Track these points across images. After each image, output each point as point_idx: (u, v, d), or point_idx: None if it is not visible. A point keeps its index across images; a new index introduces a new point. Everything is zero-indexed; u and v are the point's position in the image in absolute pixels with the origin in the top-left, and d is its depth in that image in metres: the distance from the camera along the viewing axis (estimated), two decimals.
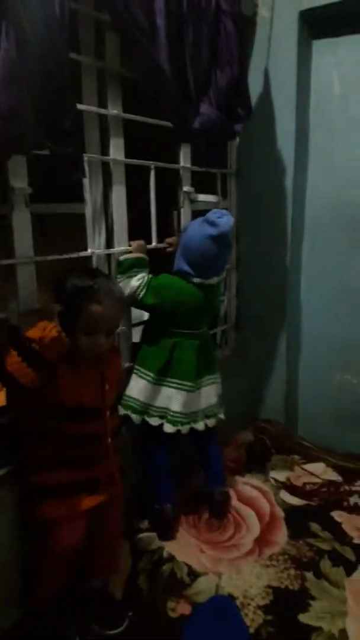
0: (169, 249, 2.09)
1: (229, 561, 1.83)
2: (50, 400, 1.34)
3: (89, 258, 1.82)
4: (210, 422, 2.05)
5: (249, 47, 2.43)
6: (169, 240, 2.11)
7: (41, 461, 1.40)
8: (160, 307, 1.87)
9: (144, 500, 2.03)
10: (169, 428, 1.90)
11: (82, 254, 1.73)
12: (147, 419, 1.90)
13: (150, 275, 1.88)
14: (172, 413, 1.90)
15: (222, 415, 2.11)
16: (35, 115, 1.23)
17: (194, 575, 1.76)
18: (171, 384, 1.91)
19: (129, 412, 1.90)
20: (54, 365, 1.30)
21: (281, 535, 1.96)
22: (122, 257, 1.89)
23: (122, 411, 1.90)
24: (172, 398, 1.91)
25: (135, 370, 1.94)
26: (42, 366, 1.25)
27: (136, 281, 1.85)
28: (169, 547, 1.89)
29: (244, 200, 2.67)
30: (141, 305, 1.90)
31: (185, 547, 1.90)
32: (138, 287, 1.84)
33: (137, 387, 1.91)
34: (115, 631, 1.53)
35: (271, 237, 2.59)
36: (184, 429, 1.93)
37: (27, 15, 1.20)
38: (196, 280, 1.89)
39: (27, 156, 1.43)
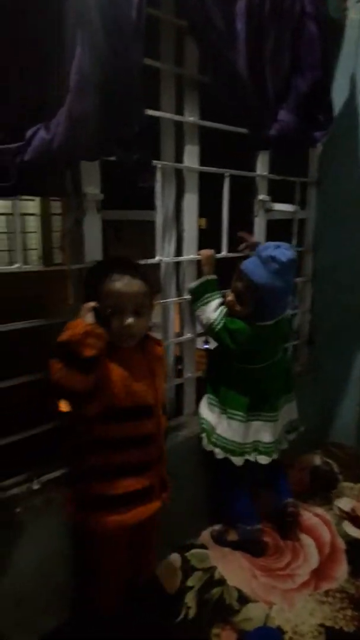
0: (246, 251, 1.98)
1: (282, 591, 1.73)
2: (103, 402, 1.30)
3: (157, 265, 1.82)
4: (291, 436, 2.05)
5: (335, 51, 2.32)
6: (241, 233, 2.02)
7: (92, 469, 1.36)
8: (237, 350, 1.81)
9: (221, 516, 2.01)
10: (264, 460, 1.88)
11: (150, 261, 1.72)
12: (246, 457, 1.87)
13: (225, 309, 1.82)
14: (263, 445, 1.88)
15: (301, 428, 2.09)
16: (105, 121, 1.23)
17: (243, 600, 1.68)
18: (260, 418, 1.87)
19: (228, 455, 1.86)
20: (98, 363, 1.25)
21: (341, 570, 1.82)
22: (192, 285, 1.87)
23: (210, 448, 1.89)
24: (262, 430, 1.88)
25: (221, 411, 1.88)
26: (86, 367, 1.21)
27: (213, 312, 1.81)
28: (221, 568, 1.82)
29: (323, 210, 2.55)
30: (218, 341, 1.86)
31: (237, 571, 1.82)
32: (215, 319, 1.80)
33: (230, 428, 1.84)
34: (172, 622, 1.54)
35: (350, 249, 2.46)
36: (275, 455, 1.91)
37: (102, 22, 1.20)
38: (268, 322, 1.80)
39: (99, 162, 1.45)
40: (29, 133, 1.13)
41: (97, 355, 1.22)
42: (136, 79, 1.32)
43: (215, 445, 1.87)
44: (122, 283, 1.32)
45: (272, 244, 1.73)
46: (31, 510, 1.42)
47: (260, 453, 1.88)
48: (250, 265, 1.72)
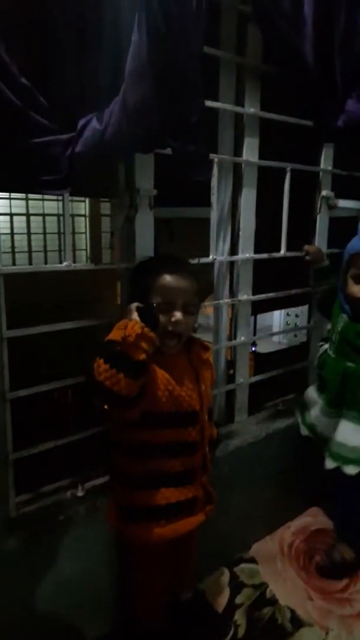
0: (308, 258, 1.91)
1: (340, 617, 1.61)
2: (146, 407, 1.22)
3: (211, 264, 1.74)
4: None
5: None
6: (307, 247, 1.93)
7: (132, 477, 1.30)
8: None
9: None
10: None
11: (203, 260, 1.64)
12: None
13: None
14: None
15: None
16: (160, 111, 1.16)
17: (297, 623, 1.58)
18: None
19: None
20: (147, 367, 1.18)
21: None
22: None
23: (334, 464, 1.74)
24: None
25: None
26: (135, 371, 1.13)
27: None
28: (273, 586, 1.72)
29: None
30: None
31: (291, 590, 1.71)
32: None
33: None
34: None
35: None
36: None
37: (162, 7, 1.13)
38: None
39: (152, 156, 1.39)
40: (81, 123, 1.08)
41: (147, 359, 1.15)
42: (195, 67, 1.24)
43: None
44: (172, 278, 1.26)
45: None
46: (75, 517, 1.37)
47: None
48: None
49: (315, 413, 1.84)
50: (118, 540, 1.42)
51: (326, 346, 1.86)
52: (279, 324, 4.19)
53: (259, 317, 3.70)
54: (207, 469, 1.40)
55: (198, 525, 1.37)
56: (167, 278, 1.26)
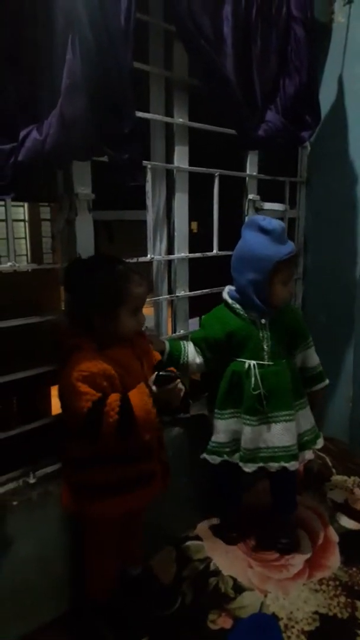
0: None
1: (277, 580, 1.76)
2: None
3: (149, 263, 1.86)
4: None
5: (323, 54, 2.38)
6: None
7: (87, 459, 1.37)
8: None
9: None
10: None
11: (142, 259, 1.76)
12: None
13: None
14: None
15: None
16: (95, 122, 1.27)
17: (239, 589, 1.72)
18: None
19: None
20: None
21: (334, 559, 1.86)
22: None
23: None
24: None
25: None
26: (127, 437, 1.26)
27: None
28: (217, 559, 1.86)
29: (313, 209, 2.60)
30: None
31: (233, 561, 1.86)
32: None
33: None
34: (168, 611, 1.59)
35: (340, 248, 2.50)
36: None
37: (92, 27, 1.25)
38: None
39: (90, 163, 1.49)
40: (22, 134, 1.17)
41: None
42: (126, 81, 1.36)
43: None
44: (144, 287, 1.38)
45: (257, 217, 1.70)
46: (28, 502, 1.45)
47: None
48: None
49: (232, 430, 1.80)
50: (72, 521, 1.52)
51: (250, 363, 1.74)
52: None
53: None
54: (163, 445, 1.52)
55: (156, 496, 1.48)
56: (140, 289, 1.37)
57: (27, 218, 5.42)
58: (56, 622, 1.56)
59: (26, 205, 5.15)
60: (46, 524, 1.50)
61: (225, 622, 1.57)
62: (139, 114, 1.59)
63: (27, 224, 5.45)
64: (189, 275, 2.01)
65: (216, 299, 1.86)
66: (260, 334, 1.74)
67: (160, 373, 1.33)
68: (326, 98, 2.37)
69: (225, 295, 1.79)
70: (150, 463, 1.45)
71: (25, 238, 5.53)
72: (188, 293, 1.99)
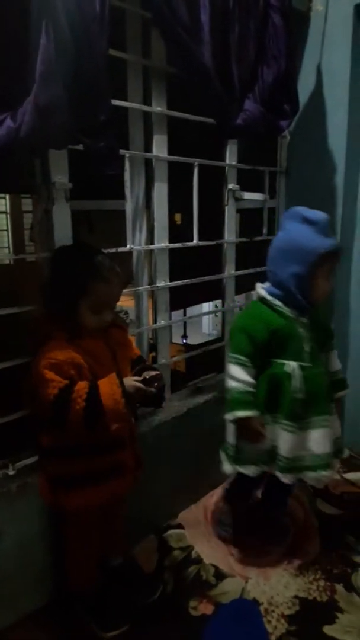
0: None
1: (257, 567, 1.79)
2: None
3: (129, 253, 1.85)
4: None
5: (301, 43, 2.37)
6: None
7: (63, 449, 1.38)
8: None
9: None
10: None
11: (121, 249, 1.76)
12: None
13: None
14: None
15: None
16: (70, 110, 1.26)
17: (220, 576, 1.74)
18: None
19: None
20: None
21: (313, 544, 1.89)
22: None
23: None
24: None
25: None
26: (95, 428, 1.27)
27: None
28: (199, 547, 1.87)
29: (292, 199, 2.60)
30: None
31: (214, 549, 1.87)
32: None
33: None
34: (150, 599, 1.60)
35: None
36: None
37: (66, 13, 1.23)
38: None
39: (67, 151, 1.47)
40: None
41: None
42: (101, 69, 1.35)
43: None
44: (111, 286, 1.35)
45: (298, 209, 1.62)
46: (7, 494, 1.45)
47: None
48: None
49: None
50: (51, 512, 1.51)
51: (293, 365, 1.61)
52: (207, 321, 4.90)
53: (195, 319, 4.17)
54: (135, 438, 1.52)
55: (129, 488, 1.49)
56: (106, 288, 1.34)
57: (8, 210, 5.34)
58: (37, 613, 1.56)
59: (8, 196, 5.08)
60: (26, 515, 1.50)
61: (206, 609, 1.59)
62: (117, 102, 1.58)
63: (9, 215, 5.37)
64: (174, 267, 2.00)
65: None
66: (302, 333, 1.62)
67: (149, 376, 1.38)
68: (305, 87, 2.37)
69: (262, 292, 1.64)
70: (123, 454, 1.45)
71: (7, 230, 5.46)
72: (169, 283, 1.99)
